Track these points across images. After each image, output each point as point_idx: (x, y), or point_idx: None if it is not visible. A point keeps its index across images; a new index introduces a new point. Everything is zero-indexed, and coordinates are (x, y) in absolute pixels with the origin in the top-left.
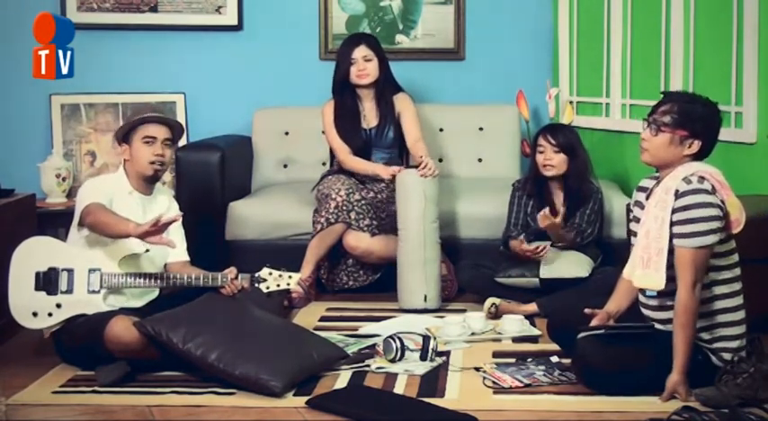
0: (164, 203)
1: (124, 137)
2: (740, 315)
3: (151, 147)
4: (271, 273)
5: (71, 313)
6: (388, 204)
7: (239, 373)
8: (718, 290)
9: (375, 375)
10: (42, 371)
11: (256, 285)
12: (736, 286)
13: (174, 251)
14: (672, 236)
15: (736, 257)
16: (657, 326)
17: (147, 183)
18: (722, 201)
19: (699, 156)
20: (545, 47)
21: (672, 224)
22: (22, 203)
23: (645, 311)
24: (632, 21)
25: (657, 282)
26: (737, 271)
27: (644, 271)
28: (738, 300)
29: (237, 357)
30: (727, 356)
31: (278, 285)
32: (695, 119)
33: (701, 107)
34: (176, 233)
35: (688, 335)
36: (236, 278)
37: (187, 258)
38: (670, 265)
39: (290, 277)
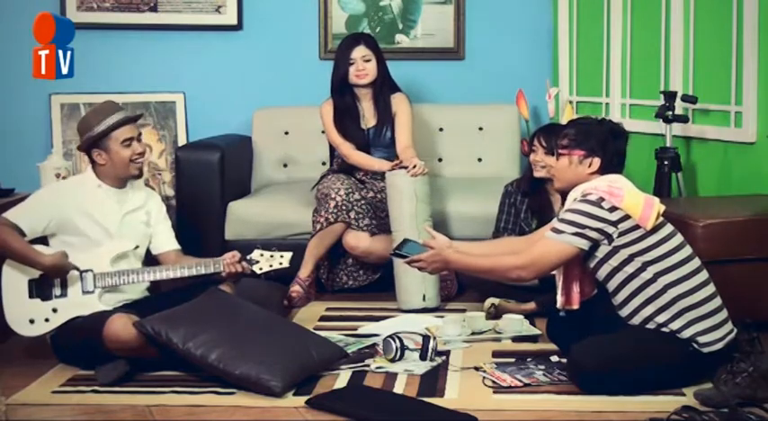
0: (140, 198)
1: (94, 144)
2: (700, 295)
3: (130, 148)
4: (262, 254)
5: (68, 316)
6: (387, 204)
7: (239, 373)
8: (664, 280)
9: (375, 375)
10: (42, 371)
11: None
12: (684, 270)
13: (163, 241)
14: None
15: (671, 245)
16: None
17: (130, 180)
18: (613, 208)
19: (607, 172)
20: (545, 47)
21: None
22: None
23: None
24: (632, 20)
25: (558, 301)
26: (679, 255)
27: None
28: (692, 283)
29: (237, 357)
30: (706, 339)
31: (270, 265)
32: (589, 137)
33: (595, 125)
34: (163, 223)
35: (485, 268)
36: (240, 261)
37: (178, 246)
38: (594, 272)
39: (281, 256)
